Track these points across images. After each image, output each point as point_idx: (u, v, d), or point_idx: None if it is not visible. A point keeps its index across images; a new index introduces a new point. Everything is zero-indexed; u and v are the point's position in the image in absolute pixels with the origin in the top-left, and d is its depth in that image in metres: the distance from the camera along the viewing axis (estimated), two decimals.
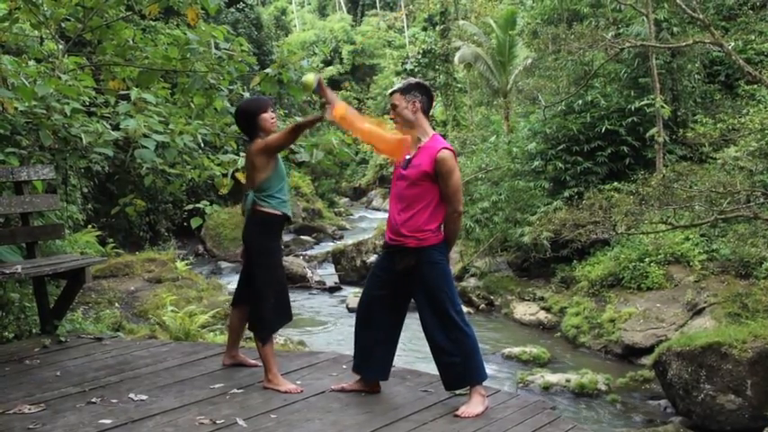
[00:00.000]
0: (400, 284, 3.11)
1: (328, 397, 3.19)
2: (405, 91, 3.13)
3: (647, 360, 7.72)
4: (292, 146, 4.90)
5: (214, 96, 4.99)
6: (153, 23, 5.61)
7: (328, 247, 16.53)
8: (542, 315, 10.45)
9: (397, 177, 3.14)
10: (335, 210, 23.59)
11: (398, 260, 3.08)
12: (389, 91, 3.23)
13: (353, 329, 3.27)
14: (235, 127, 5.10)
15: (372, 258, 13.61)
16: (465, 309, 10.64)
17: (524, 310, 10.67)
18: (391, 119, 3.23)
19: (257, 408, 3.03)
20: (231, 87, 5.18)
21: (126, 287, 7.45)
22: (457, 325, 3.02)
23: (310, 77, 3.05)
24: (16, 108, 4.19)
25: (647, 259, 9.74)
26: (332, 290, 13.07)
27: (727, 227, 9.07)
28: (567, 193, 11.56)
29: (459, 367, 3.03)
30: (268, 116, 3.29)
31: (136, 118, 4.30)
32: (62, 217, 5.91)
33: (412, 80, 3.21)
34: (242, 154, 5.13)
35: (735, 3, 12.88)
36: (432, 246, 3.03)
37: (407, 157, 3.12)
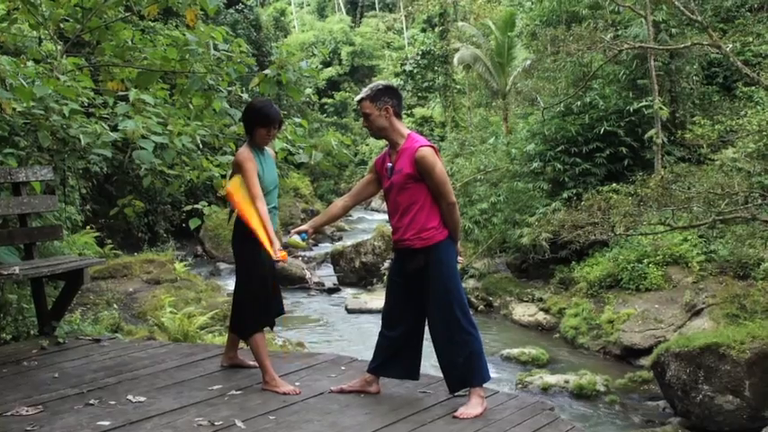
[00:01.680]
0: (413, 285, 3.13)
1: (327, 398, 3.21)
2: (374, 98, 3.07)
3: (646, 361, 7.77)
4: (291, 148, 4.93)
5: (213, 97, 4.99)
6: (152, 24, 5.62)
7: (327, 248, 16.57)
8: (541, 316, 10.50)
9: (386, 189, 3.14)
10: None
11: (408, 262, 3.11)
12: (357, 98, 3.18)
13: (378, 332, 3.28)
14: (234, 128, 5.11)
15: (371, 259, 13.67)
16: None
17: (523, 312, 10.73)
18: (364, 127, 3.22)
19: (256, 409, 3.04)
20: (230, 88, 5.17)
21: (124, 288, 7.45)
22: (462, 326, 3.03)
23: (298, 242, 3.22)
24: (15, 109, 4.19)
25: (645, 260, 9.79)
26: (331, 291, 13.10)
27: (726, 228, 9.08)
28: (565, 195, 11.61)
29: (462, 368, 3.04)
30: (264, 132, 3.33)
31: (134, 119, 4.29)
32: (60, 218, 5.93)
33: (379, 84, 3.17)
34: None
35: (733, 5, 12.96)
36: (438, 243, 3.04)
37: (389, 164, 3.12)
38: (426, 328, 3.19)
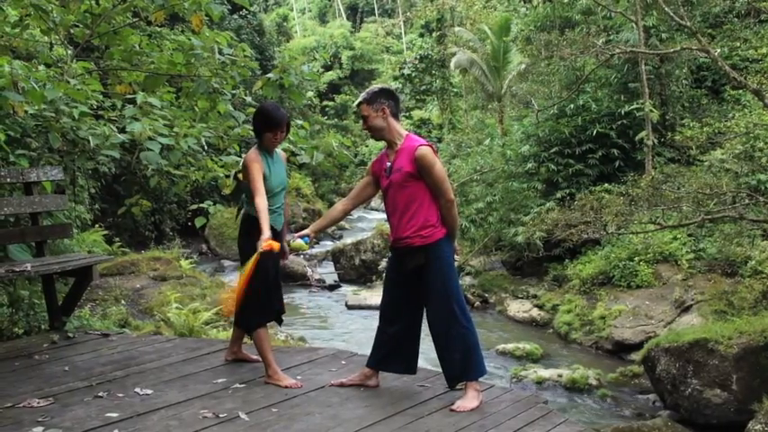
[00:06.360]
0: (412, 282, 3.17)
1: (328, 392, 3.26)
2: (370, 101, 3.15)
3: (637, 356, 7.76)
4: (293, 149, 5.10)
5: (218, 100, 5.10)
6: (159, 30, 5.75)
7: (328, 246, 16.65)
8: (535, 312, 10.54)
9: (385, 188, 3.19)
10: None
11: (408, 261, 3.12)
12: (355, 103, 3.27)
13: (376, 327, 3.34)
14: (238, 130, 5.27)
15: (370, 257, 13.82)
16: None
17: (518, 308, 10.76)
18: (363, 129, 3.28)
19: (259, 402, 3.08)
20: (234, 92, 5.28)
21: (132, 285, 7.50)
22: (459, 320, 3.07)
23: (301, 244, 3.26)
24: (26, 111, 4.33)
25: (636, 258, 9.85)
26: (331, 288, 13.16)
27: (714, 227, 9.13)
28: (559, 195, 11.67)
29: (460, 363, 3.09)
30: (270, 135, 3.39)
31: (142, 121, 4.40)
32: (70, 217, 6.03)
33: (375, 88, 3.24)
34: (244, 156, 5.30)
35: (721, 11, 12.91)
36: (438, 240, 3.09)
37: (388, 163, 3.19)
38: (425, 324, 3.21)
